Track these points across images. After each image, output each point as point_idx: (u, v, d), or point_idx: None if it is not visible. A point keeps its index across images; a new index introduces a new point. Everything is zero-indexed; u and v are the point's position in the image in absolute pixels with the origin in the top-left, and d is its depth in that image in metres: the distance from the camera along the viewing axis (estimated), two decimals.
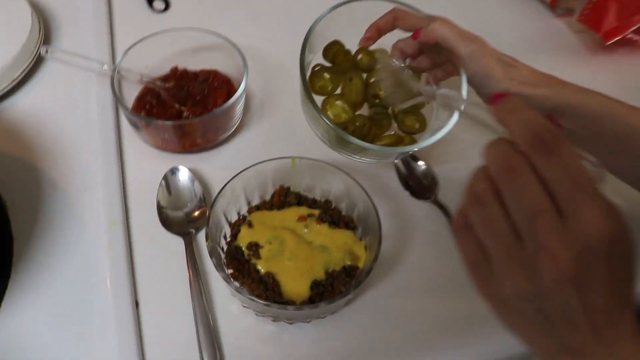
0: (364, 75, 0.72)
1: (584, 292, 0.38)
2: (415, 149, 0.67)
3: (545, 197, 0.38)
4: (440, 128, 0.65)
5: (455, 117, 0.64)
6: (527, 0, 1.06)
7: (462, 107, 0.56)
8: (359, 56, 0.71)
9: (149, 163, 0.80)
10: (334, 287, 0.64)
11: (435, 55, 0.69)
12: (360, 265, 0.66)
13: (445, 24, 0.64)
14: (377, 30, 0.69)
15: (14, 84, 0.85)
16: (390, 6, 0.69)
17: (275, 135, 0.84)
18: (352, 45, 0.73)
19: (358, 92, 0.71)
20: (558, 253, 0.37)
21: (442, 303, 0.69)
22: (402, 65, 0.69)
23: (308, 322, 0.66)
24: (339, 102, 0.72)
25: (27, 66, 0.87)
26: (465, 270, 0.47)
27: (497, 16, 1.04)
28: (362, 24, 0.71)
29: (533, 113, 0.40)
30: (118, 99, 0.76)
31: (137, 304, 0.68)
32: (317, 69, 0.74)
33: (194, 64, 0.86)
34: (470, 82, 0.66)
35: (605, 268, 0.38)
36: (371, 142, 0.68)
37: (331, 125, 0.65)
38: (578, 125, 0.64)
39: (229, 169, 0.72)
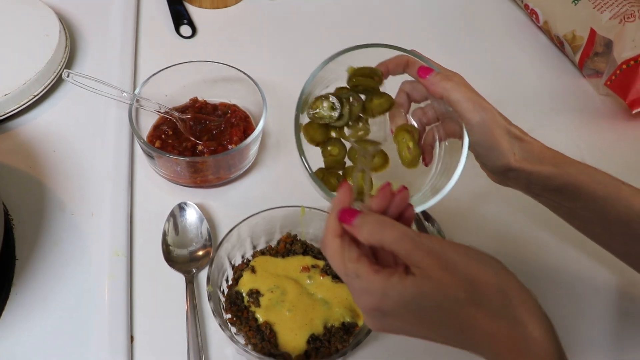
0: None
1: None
2: (419, 210, 0.64)
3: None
4: (441, 188, 0.63)
5: (455, 178, 0.61)
6: (557, 57, 1.05)
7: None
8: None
9: (159, 194, 0.79)
10: (331, 344, 0.63)
11: (441, 108, 0.65)
12: (360, 323, 0.65)
13: (459, 86, 0.59)
14: (386, 71, 0.64)
15: (33, 100, 0.86)
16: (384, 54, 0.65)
17: (288, 177, 0.83)
18: None
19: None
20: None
21: None
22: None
23: None
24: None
25: (49, 84, 0.87)
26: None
27: (525, 69, 1.03)
28: None
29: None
30: (134, 129, 0.76)
31: (132, 338, 0.67)
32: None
33: (214, 96, 0.86)
34: (472, 149, 0.62)
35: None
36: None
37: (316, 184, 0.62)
38: (580, 206, 0.62)
39: (239, 208, 0.72)
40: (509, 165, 0.60)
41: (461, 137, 0.62)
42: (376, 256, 0.53)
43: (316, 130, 0.66)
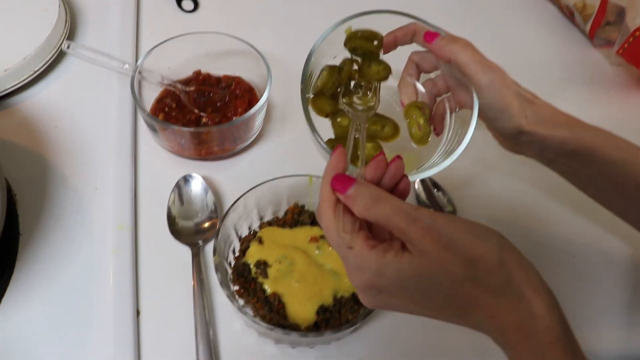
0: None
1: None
2: (422, 176, 0.62)
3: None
4: (452, 153, 0.61)
5: (466, 140, 0.60)
6: (567, 28, 1.03)
7: None
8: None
9: (163, 167, 0.78)
10: (341, 315, 0.62)
11: (450, 77, 0.64)
12: None
13: (466, 47, 0.59)
14: (394, 41, 0.63)
15: (34, 75, 0.84)
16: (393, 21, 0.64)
17: (295, 148, 0.81)
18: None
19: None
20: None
21: (453, 338, 0.66)
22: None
23: (311, 347, 0.64)
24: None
25: (50, 59, 0.86)
26: None
27: (534, 40, 1.01)
28: None
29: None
30: (137, 101, 0.74)
31: (137, 312, 0.65)
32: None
33: (218, 69, 0.84)
34: (482, 114, 0.61)
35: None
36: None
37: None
38: (595, 171, 0.60)
39: (244, 180, 0.70)
40: (521, 128, 0.59)
41: (471, 105, 0.61)
42: (371, 229, 0.50)
43: (324, 101, 0.65)
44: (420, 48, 0.64)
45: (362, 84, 0.66)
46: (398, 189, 0.51)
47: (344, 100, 0.65)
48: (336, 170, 0.49)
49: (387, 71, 0.65)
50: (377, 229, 0.51)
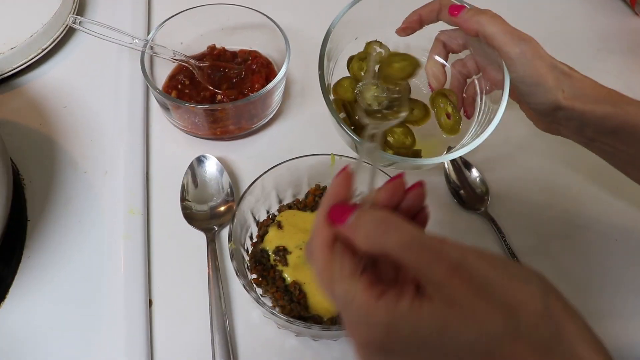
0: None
1: None
2: (451, 157, 0.58)
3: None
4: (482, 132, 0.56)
5: (498, 117, 0.55)
6: None
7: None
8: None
9: (176, 148, 0.74)
10: None
11: (480, 55, 0.60)
12: None
13: (494, 18, 0.54)
14: (419, 20, 0.59)
15: (42, 53, 0.81)
16: None
17: (316, 126, 0.77)
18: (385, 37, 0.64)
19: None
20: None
21: None
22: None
23: (335, 340, 0.59)
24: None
25: (58, 36, 0.82)
26: None
27: (568, 8, 0.96)
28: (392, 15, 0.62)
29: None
30: (147, 78, 0.70)
31: (150, 302, 0.62)
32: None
33: (233, 43, 0.80)
34: (515, 91, 0.56)
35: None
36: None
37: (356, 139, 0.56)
38: (639, 150, 0.55)
39: (262, 161, 0.66)
40: (558, 103, 0.54)
41: (502, 84, 0.56)
42: (373, 266, 0.40)
43: (347, 89, 0.62)
44: (447, 27, 0.59)
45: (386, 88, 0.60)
46: (416, 219, 0.43)
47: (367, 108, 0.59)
48: (336, 199, 0.40)
49: (413, 66, 0.60)
50: (380, 266, 0.41)
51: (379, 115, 0.55)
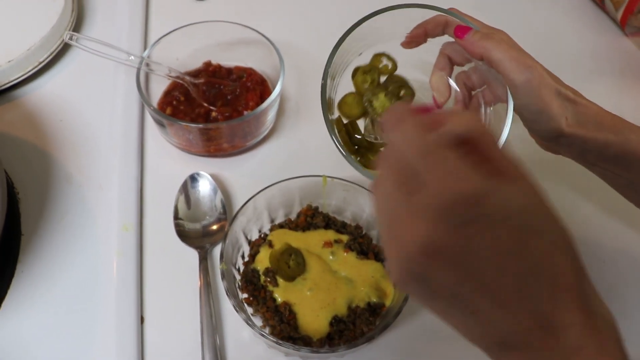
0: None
1: (464, 267, 0.33)
2: None
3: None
4: None
5: (503, 139, 0.55)
6: (597, 16, 0.98)
7: None
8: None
9: (170, 164, 0.75)
10: (356, 326, 0.58)
11: (485, 70, 0.59)
12: (387, 303, 0.60)
13: (500, 43, 0.54)
14: (424, 33, 0.59)
15: (39, 67, 0.81)
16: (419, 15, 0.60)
17: (309, 145, 0.78)
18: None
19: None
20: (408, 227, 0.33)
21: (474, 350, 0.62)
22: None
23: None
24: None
25: (55, 49, 0.82)
26: None
27: (561, 29, 0.96)
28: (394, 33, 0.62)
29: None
30: (142, 95, 0.71)
31: (142, 319, 0.62)
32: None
33: (229, 59, 0.81)
34: (519, 114, 0.56)
35: (483, 237, 0.33)
36: None
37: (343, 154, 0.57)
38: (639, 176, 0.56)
39: (255, 179, 0.67)
40: (561, 131, 0.54)
41: (506, 99, 0.56)
42: None
43: (352, 106, 0.62)
44: (452, 39, 0.59)
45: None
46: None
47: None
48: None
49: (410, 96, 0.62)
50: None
51: None
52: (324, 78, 0.58)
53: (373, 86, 0.62)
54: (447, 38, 0.59)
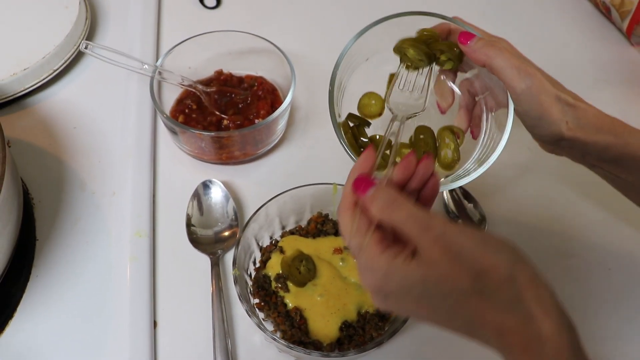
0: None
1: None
2: (454, 186, 0.60)
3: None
4: (485, 160, 0.59)
5: (499, 150, 0.58)
6: (603, 26, 0.99)
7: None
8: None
9: (182, 171, 0.76)
10: (365, 331, 0.59)
11: (488, 77, 0.61)
12: None
13: (502, 51, 0.55)
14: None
15: (53, 74, 0.83)
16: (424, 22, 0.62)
17: (319, 152, 0.79)
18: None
19: None
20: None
21: (478, 354, 0.63)
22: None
23: None
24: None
25: (69, 57, 0.84)
26: None
27: (568, 39, 0.97)
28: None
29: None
30: (155, 103, 0.72)
31: (155, 324, 0.64)
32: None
33: (240, 68, 0.82)
34: (521, 119, 0.58)
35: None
36: None
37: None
38: (638, 177, 0.57)
39: (266, 186, 0.68)
40: (561, 135, 0.55)
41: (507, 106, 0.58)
42: (395, 233, 0.48)
43: (370, 106, 0.65)
44: None
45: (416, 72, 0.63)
46: (426, 188, 0.51)
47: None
48: (361, 170, 0.49)
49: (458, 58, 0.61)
50: (398, 233, 0.48)
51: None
52: (331, 84, 0.61)
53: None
54: None
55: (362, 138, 0.63)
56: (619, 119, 0.58)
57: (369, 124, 0.64)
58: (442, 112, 0.66)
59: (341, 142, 0.59)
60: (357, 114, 0.64)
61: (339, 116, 0.62)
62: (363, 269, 0.46)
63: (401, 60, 0.63)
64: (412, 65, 0.62)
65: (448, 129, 0.63)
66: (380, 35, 0.62)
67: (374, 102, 0.64)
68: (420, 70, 0.63)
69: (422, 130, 0.64)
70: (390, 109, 0.62)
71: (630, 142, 0.55)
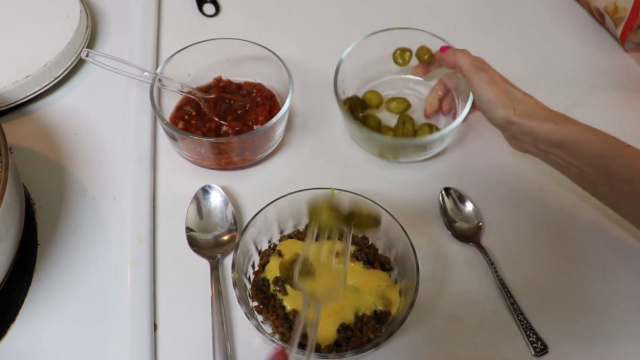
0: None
1: None
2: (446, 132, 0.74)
3: None
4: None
5: (465, 111, 0.75)
6: (597, 32, 1.00)
7: None
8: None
9: (182, 177, 0.77)
10: (363, 333, 0.60)
11: (457, 76, 0.80)
12: (393, 311, 0.62)
13: (466, 54, 0.72)
14: (428, 69, 0.83)
15: (54, 82, 0.84)
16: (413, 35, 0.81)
17: (317, 157, 0.80)
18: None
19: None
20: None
21: (478, 354, 0.64)
22: None
23: None
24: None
25: (70, 65, 0.85)
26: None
27: (562, 45, 0.98)
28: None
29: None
30: (156, 110, 0.73)
31: (155, 327, 0.64)
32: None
33: (239, 75, 0.83)
34: (478, 104, 0.71)
35: None
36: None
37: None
38: (584, 163, 0.64)
39: (265, 191, 0.69)
40: (509, 119, 0.66)
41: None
42: None
43: (372, 99, 0.85)
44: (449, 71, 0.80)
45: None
46: None
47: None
48: None
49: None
50: None
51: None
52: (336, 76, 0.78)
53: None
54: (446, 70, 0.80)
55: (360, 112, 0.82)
56: (564, 114, 0.67)
57: (365, 106, 0.83)
58: (427, 116, 0.84)
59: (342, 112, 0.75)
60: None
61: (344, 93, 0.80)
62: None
63: (311, 223, 0.61)
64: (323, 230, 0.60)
65: (427, 124, 0.81)
66: (377, 42, 0.77)
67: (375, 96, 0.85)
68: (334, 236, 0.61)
69: (405, 118, 0.82)
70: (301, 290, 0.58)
71: (569, 127, 0.64)
